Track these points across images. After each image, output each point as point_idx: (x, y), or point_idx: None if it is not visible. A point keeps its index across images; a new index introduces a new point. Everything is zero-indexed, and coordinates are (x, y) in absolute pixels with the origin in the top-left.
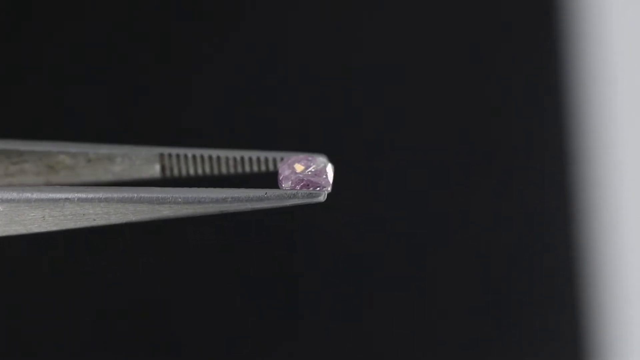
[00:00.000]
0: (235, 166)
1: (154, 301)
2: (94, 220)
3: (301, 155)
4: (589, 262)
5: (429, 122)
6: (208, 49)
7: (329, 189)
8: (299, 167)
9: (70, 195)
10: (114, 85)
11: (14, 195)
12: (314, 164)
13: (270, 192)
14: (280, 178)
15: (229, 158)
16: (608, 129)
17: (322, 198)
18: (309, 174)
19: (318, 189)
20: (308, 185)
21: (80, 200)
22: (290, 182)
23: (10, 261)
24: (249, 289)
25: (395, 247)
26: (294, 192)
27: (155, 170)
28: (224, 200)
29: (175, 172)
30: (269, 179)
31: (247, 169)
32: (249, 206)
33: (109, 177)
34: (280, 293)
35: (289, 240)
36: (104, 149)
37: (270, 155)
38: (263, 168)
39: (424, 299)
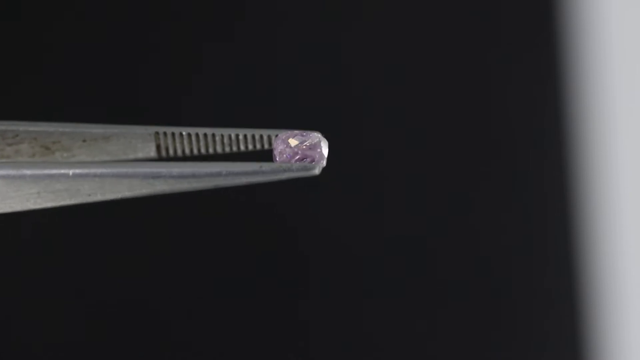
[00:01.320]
0: (230, 144)
1: (147, 296)
2: (89, 195)
3: (296, 131)
4: (588, 262)
5: (427, 121)
6: (206, 30)
7: (324, 162)
8: (293, 142)
9: (65, 171)
10: (112, 66)
11: (9, 171)
12: (308, 139)
13: (265, 165)
14: (275, 153)
15: (224, 136)
16: (607, 129)
17: (317, 171)
18: (304, 147)
19: (313, 162)
20: (302, 158)
21: (75, 175)
22: (284, 156)
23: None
24: (244, 286)
25: (393, 246)
26: (288, 165)
27: (151, 149)
28: (219, 174)
29: (171, 151)
30: (265, 156)
31: (243, 147)
32: (243, 180)
33: (104, 157)
34: (277, 292)
35: (285, 237)
36: (99, 129)
37: (266, 132)
38: (258, 146)
39: (422, 298)
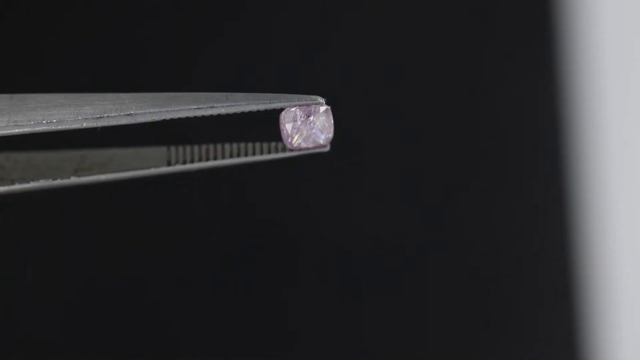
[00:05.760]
0: (239, 152)
1: (141, 290)
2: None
3: (299, 111)
4: (583, 261)
5: (423, 119)
6: (203, 26)
7: (331, 135)
8: (302, 130)
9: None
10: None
11: None
12: (314, 122)
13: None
14: (283, 134)
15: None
16: (601, 128)
17: (327, 149)
18: (312, 133)
19: (321, 142)
20: (312, 140)
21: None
22: (293, 138)
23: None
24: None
25: (388, 244)
26: (299, 153)
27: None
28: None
29: (181, 161)
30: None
31: (251, 154)
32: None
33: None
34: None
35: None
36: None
37: (270, 105)
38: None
39: (417, 297)
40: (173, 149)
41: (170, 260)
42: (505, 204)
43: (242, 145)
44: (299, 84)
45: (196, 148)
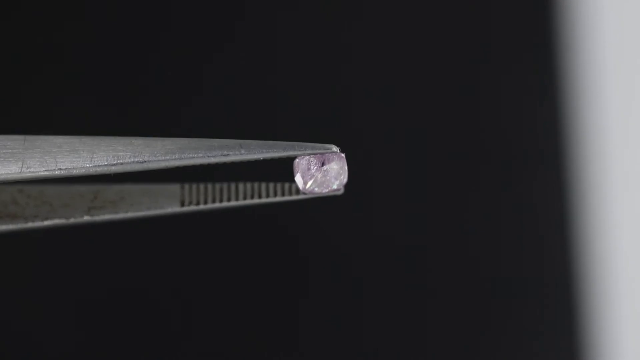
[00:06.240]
0: (252, 194)
1: (150, 296)
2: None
3: (312, 159)
4: (584, 262)
5: (423, 119)
6: (212, 44)
7: (345, 180)
8: (316, 178)
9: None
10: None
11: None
12: (327, 170)
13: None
14: (297, 180)
15: (247, 186)
16: (603, 131)
17: (340, 192)
18: (326, 179)
19: (335, 187)
20: (326, 185)
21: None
22: (307, 184)
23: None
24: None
25: (389, 246)
26: (312, 196)
27: (175, 202)
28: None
29: (194, 202)
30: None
31: (265, 196)
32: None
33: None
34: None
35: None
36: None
37: (284, 154)
38: (280, 196)
39: (417, 297)
40: (187, 186)
41: (169, 262)
42: (505, 205)
43: (256, 185)
44: (297, 88)
45: (210, 187)
